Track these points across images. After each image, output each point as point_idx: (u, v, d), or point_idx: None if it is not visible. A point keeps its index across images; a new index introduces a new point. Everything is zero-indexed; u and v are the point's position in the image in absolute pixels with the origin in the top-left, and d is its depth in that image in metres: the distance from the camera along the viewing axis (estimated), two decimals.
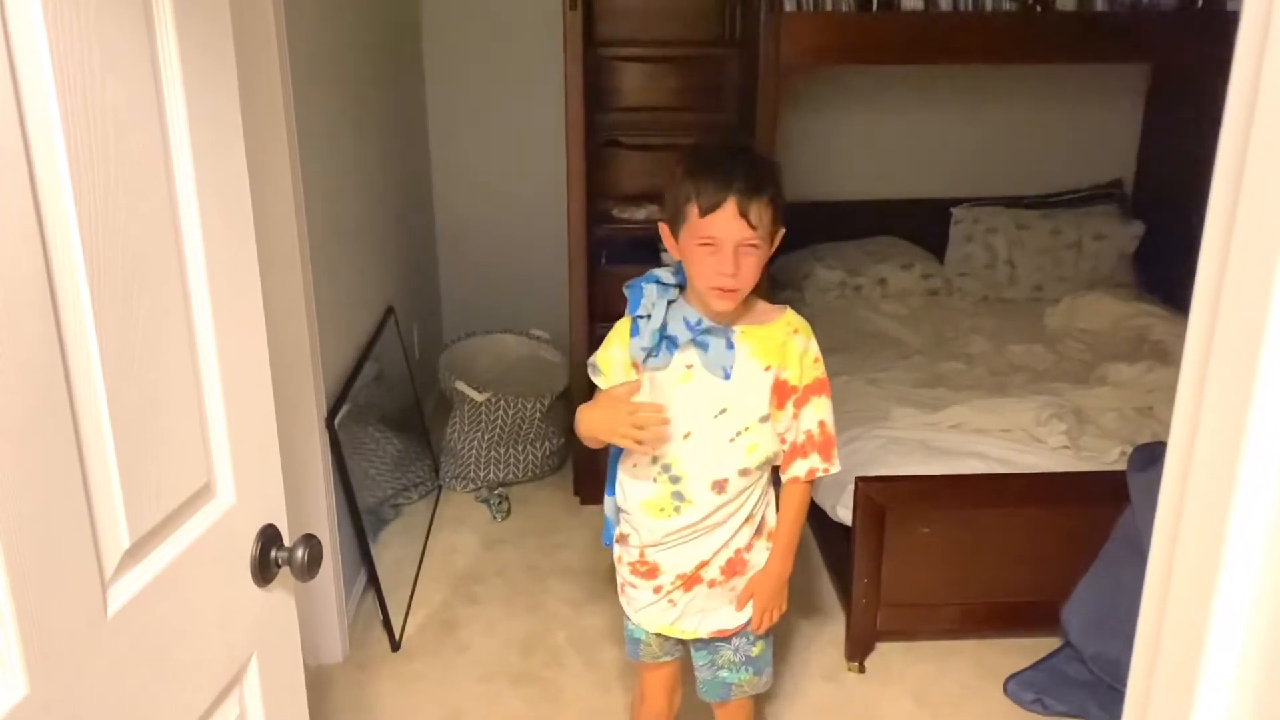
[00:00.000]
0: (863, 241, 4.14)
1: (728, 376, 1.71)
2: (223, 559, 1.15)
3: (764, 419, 1.75)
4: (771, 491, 1.87)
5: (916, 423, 2.81)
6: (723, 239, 1.61)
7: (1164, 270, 3.94)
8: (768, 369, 1.74)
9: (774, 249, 1.70)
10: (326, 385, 2.60)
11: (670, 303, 1.73)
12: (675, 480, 1.76)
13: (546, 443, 3.61)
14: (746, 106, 3.65)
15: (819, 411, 1.78)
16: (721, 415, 1.73)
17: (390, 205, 3.55)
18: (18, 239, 0.81)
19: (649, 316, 1.72)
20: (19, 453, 0.82)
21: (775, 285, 3.98)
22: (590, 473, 3.41)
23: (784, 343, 1.74)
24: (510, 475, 3.57)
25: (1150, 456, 2.33)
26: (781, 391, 1.75)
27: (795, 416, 1.76)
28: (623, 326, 1.79)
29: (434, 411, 3.93)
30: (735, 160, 1.66)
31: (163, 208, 1.01)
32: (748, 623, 1.88)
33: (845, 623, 2.65)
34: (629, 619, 1.94)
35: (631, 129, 3.71)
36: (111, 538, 0.95)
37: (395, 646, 2.71)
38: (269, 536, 1.22)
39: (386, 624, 2.72)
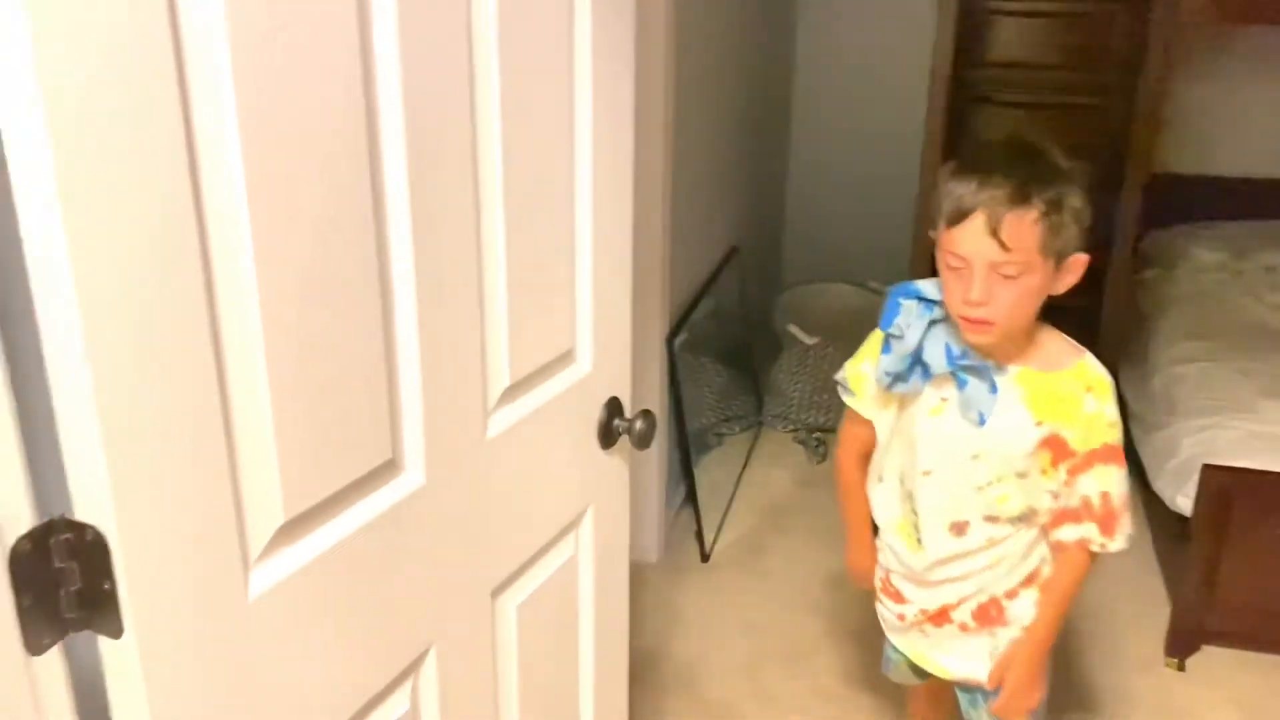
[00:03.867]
0: (1254, 224, 3.76)
1: (983, 422, 1.44)
2: (575, 417, 1.33)
3: (1022, 475, 1.46)
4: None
5: None
6: (969, 258, 1.33)
7: None
8: (1039, 424, 1.44)
9: (1071, 278, 1.38)
10: (670, 310, 2.80)
11: (933, 324, 1.47)
12: (915, 513, 1.56)
13: None
14: (1130, 68, 3.42)
15: (1103, 481, 1.45)
16: (972, 461, 1.47)
17: (748, 150, 3.69)
18: (459, 152, 1.00)
19: (902, 337, 1.48)
20: (439, 300, 1.01)
21: (1143, 262, 3.72)
22: None
23: (1069, 399, 1.43)
24: (830, 421, 3.63)
25: None
26: (1057, 450, 1.44)
27: (1068, 483, 1.46)
28: (875, 339, 1.57)
29: (762, 352, 4.06)
30: (1003, 161, 1.34)
31: (563, 116, 1.18)
32: None
33: (1170, 616, 2.49)
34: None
35: (1001, 86, 3.60)
36: (497, 376, 1.14)
37: (705, 558, 2.89)
38: (613, 407, 1.38)
39: (699, 536, 2.91)
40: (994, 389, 1.43)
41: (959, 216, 1.32)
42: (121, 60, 0.67)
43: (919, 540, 1.55)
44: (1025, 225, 1.30)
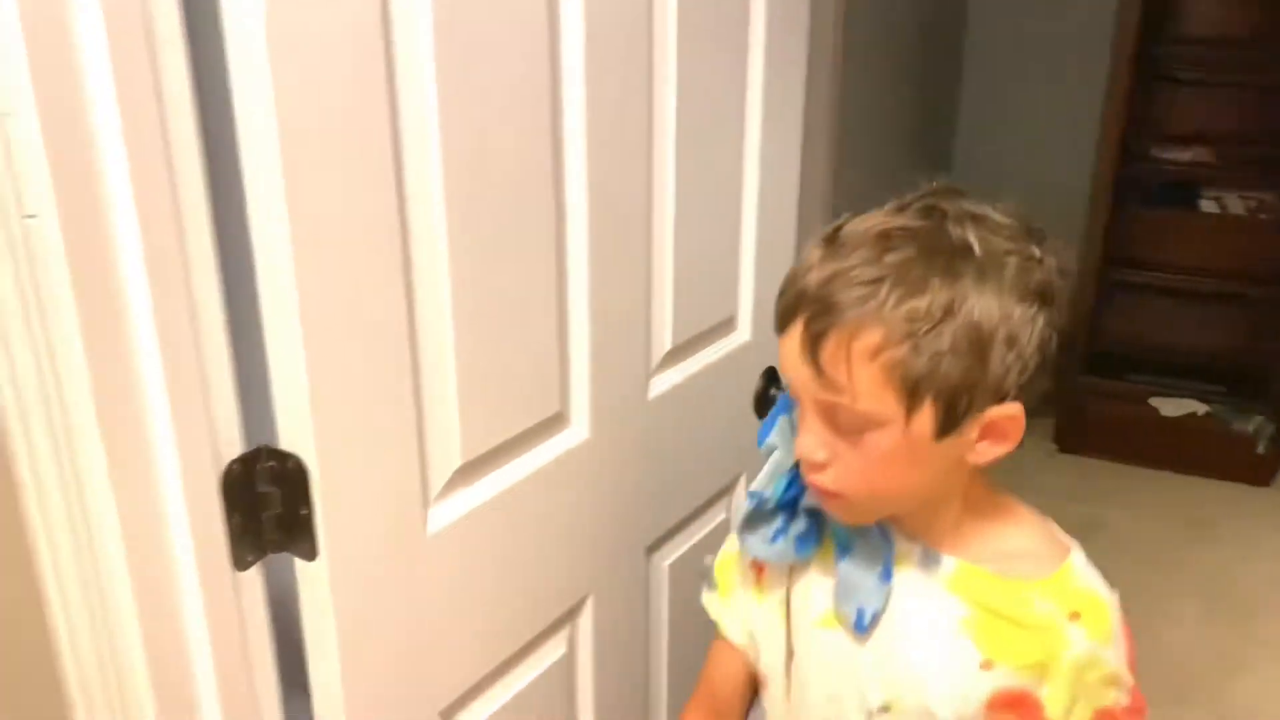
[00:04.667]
0: None
1: (861, 628, 0.84)
2: (733, 384, 1.34)
3: None
4: None
5: None
6: (793, 386, 0.80)
7: None
8: (988, 666, 0.82)
9: (995, 445, 0.77)
10: None
11: None
12: None
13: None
14: None
15: None
16: (882, 717, 0.86)
17: (914, 125, 3.61)
18: (635, 119, 1.02)
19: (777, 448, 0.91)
20: (609, 264, 1.05)
21: None
22: (1076, 422, 3.28)
23: (1043, 630, 0.80)
24: None
25: None
26: (1026, 714, 0.81)
27: None
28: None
29: None
30: (865, 239, 0.75)
31: (735, 85, 1.20)
32: None
33: None
34: None
35: (1192, 63, 3.38)
36: (660, 339, 1.17)
37: None
38: (771, 377, 1.39)
39: None
40: (887, 574, 0.84)
41: (779, 315, 0.80)
42: (340, 69, 0.72)
43: None
44: (861, 351, 0.73)
